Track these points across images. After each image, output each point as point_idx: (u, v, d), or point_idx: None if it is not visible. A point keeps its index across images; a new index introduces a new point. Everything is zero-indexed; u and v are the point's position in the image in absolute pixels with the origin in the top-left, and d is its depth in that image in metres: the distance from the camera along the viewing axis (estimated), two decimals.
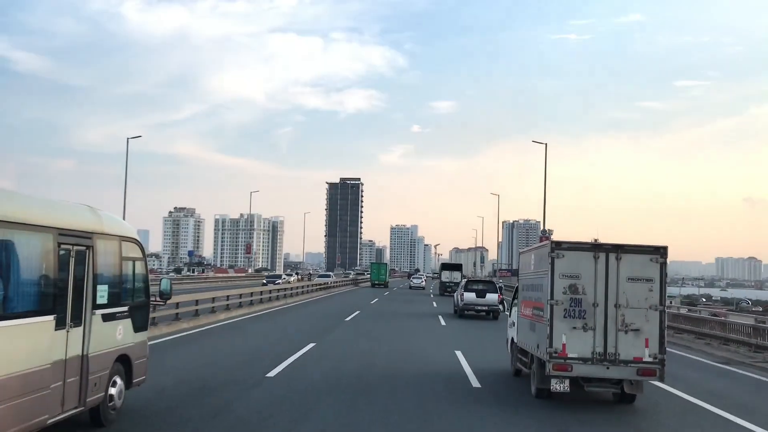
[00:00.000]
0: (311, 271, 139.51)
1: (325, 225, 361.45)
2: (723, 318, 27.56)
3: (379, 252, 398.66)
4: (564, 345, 12.09)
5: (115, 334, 9.77)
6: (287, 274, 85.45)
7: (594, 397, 13.44)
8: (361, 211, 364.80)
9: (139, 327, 10.59)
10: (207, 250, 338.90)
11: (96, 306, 9.14)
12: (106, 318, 9.44)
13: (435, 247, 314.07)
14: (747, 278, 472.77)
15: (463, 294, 35.85)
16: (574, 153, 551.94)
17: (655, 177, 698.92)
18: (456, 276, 65.47)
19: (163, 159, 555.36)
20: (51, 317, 8.09)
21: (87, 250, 8.99)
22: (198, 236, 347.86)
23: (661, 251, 12.37)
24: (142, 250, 10.86)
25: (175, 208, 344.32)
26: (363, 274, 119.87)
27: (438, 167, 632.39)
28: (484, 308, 35.42)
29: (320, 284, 62.81)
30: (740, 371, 19.51)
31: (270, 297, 40.40)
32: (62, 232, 8.38)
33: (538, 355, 12.92)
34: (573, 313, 12.18)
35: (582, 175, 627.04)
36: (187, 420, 10.25)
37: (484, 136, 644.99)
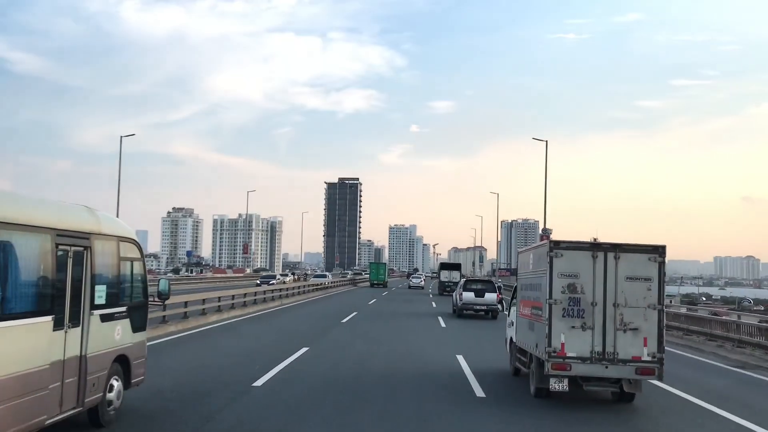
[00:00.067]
0: (308, 272, 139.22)
1: (324, 225, 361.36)
2: (736, 319, 26.20)
3: (378, 252, 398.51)
4: (563, 344, 12.09)
5: (114, 335, 9.77)
6: (282, 275, 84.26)
7: (593, 396, 13.44)
8: (360, 211, 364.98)
9: (137, 327, 10.59)
10: (205, 251, 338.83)
11: (94, 306, 9.15)
12: (105, 318, 9.44)
13: (434, 246, 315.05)
14: (745, 277, 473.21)
15: (461, 293, 35.84)
16: (572, 152, 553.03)
17: (653, 176, 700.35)
18: (455, 275, 65.47)
19: (162, 159, 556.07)
20: (49, 318, 8.10)
21: (85, 251, 9.00)
22: (196, 236, 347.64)
23: (659, 250, 12.38)
24: (140, 250, 10.85)
25: (173, 208, 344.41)
26: (360, 274, 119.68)
27: (436, 167, 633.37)
28: (482, 308, 35.42)
29: (316, 285, 61.31)
30: (757, 375, 18.55)
31: (265, 298, 39.37)
32: (60, 233, 8.38)
33: (536, 355, 12.92)
34: (572, 313, 12.19)
35: (580, 174, 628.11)
36: None
37: (483, 135, 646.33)
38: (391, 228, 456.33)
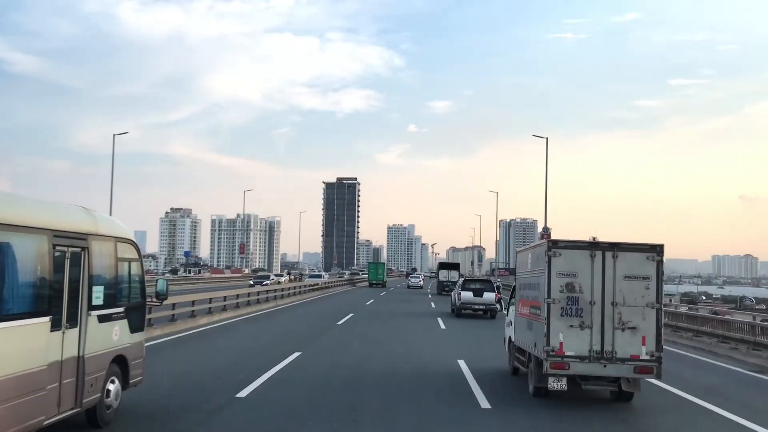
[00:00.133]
0: (306, 271, 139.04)
1: (322, 225, 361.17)
2: (751, 320, 24.96)
3: (376, 251, 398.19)
4: (561, 343, 12.10)
5: (112, 335, 9.76)
6: (278, 275, 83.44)
7: (591, 395, 13.43)
8: (358, 211, 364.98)
9: (135, 328, 10.58)
10: (204, 251, 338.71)
11: (92, 307, 9.14)
12: (102, 319, 9.43)
13: (432, 246, 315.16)
14: (743, 276, 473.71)
15: (460, 293, 35.79)
16: (571, 152, 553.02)
17: (652, 175, 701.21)
18: (453, 275, 65.50)
19: (160, 159, 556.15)
20: (47, 319, 8.09)
21: (82, 252, 9.00)
22: (195, 237, 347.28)
23: (657, 249, 12.38)
24: (138, 251, 10.84)
25: (171, 208, 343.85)
26: (358, 274, 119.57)
27: (435, 167, 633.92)
28: (481, 307, 35.38)
29: (311, 285, 59.10)
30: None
31: (258, 299, 37.96)
32: (57, 234, 8.38)
33: (535, 354, 12.92)
34: (570, 312, 12.19)
35: (578, 173, 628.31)
36: None
37: (481, 135, 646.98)
38: (389, 228, 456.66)
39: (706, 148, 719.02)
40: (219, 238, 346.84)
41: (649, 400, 13.43)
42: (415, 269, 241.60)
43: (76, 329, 8.82)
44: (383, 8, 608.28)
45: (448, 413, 11.57)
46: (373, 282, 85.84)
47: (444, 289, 63.16)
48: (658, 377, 12.27)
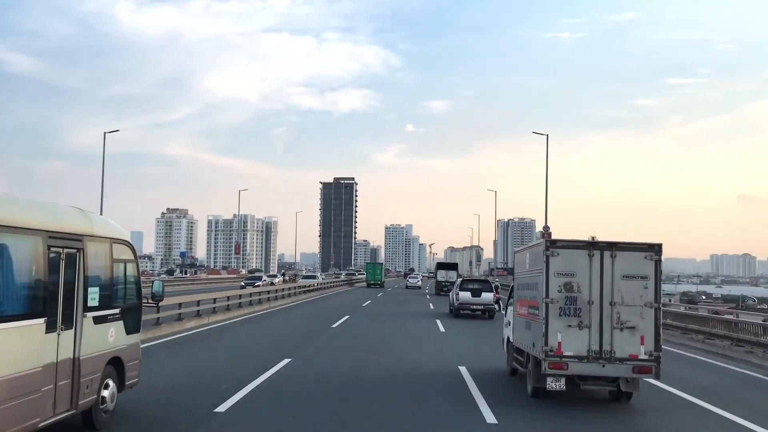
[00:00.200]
0: (303, 271, 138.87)
1: (320, 225, 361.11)
2: (761, 322, 23.75)
3: (374, 252, 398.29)
4: (559, 343, 12.06)
5: (107, 337, 9.71)
6: (270, 276, 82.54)
7: (590, 395, 13.39)
8: (356, 211, 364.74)
9: (131, 329, 10.53)
10: (200, 252, 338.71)
11: (87, 309, 9.09)
12: (98, 320, 9.38)
13: (430, 246, 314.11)
14: (741, 275, 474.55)
15: (458, 293, 35.71)
16: (568, 151, 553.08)
17: (650, 175, 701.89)
18: (452, 275, 65.45)
19: (157, 160, 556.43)
20: (41, 320, 8.04)
21: (77, 253, 8.94)
22: (191, 237, 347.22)
23: (655, 248, 12.35)
24: (134, 251, 10.79)
25: (167, 209, 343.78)
26: (354, 275, 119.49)
27: (432, 167, 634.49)
28: (479, 307, 35.33)
29: (305, 286, 56.41)
30: None
31: (251, 301, 36.63)
32: (52, 235, 8.33)
33: (533, 354, 12.88)
34: (568, 312, 12.15)
35: (575, 173, 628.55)
36: None
37: (478, 135, 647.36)
38: (387, 228, 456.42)
39: (704, 147, 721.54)
40: (215, 239, 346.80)
41: (677, 413, 12.75)
42: (412, 269, 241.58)
43: (72, 331, 8.77)
44: (380, 8, 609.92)
45: (450, 430, 10.71)
46: (371, 282, 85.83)
47: (442, 289, 63.09)
48: (657, 377, 12.24)
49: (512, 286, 16.25)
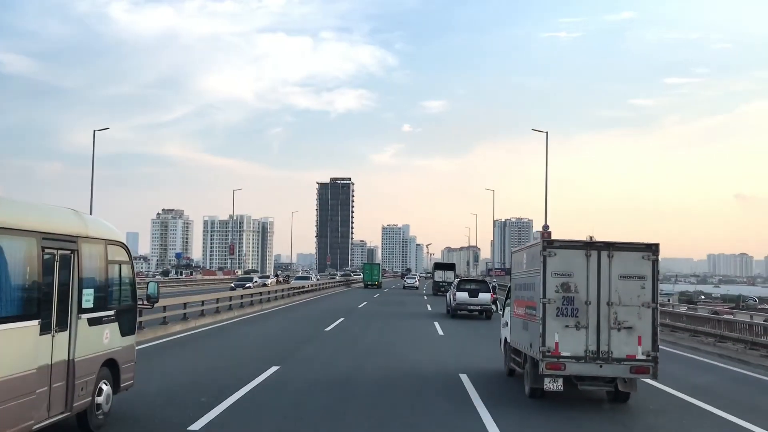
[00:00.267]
0: (299, 272, 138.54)
1: (316, 225, 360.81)
2: None
3: (371, 252, 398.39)
4: (557, 344, 12.04)
5: (102, 339, 9.67)
6: (263, 276, 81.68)
7: (588, 395, 13.37)
8: (352, 211, 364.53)
9: (126, 331, 10.49)
10: (196, 252, 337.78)
11: (82, 310, 9.06)
12: (92, 322, 9.34)
13: (427, 246, 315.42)
14: (738, 275, 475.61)
15: (455, 294, 35.70)
16: (566, 151, 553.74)
17: (647, 174, 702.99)
18: (449, 275, 65.56)
19: (152, 160, 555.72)
20: (35, 322, 8.00)
21: (72, 254, 8.90)
22: (187, 238, 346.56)
23: (652, 248, 12.34)
24: (129, 253, 10.74)
25: (163, 209, 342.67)
26: (350, 275, 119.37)
27: (429, 167, 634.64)
28: (476, 308, 35.31)
29: (298, 288, 54.62)
30: None
31: (242, 303, 35.23)
32: (46, 236, 8.29)
33: (531, 355, 12.85)
34: (565, 312, 12.13)
35: (573, 173, 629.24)
36: None
37: (476, 135, 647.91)
38: (383, 228, 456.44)
39: (701, 147, 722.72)
40: (211, 240, 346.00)
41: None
42: (409, 270, 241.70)
43: (66, 333, 8.73)
44: (376, 7, 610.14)
45: None
46: (369, 283, 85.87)
47: (440, 289, 63.14)
48: (655, 377, 12.21)
49: (509, 287, 16.23)
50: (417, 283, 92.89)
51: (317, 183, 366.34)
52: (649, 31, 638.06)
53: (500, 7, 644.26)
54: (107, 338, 9.82)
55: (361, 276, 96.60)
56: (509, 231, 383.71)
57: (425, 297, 61.56)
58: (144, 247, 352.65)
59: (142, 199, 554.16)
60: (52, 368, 8.34)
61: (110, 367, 9.96)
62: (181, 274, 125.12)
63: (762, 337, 21.89)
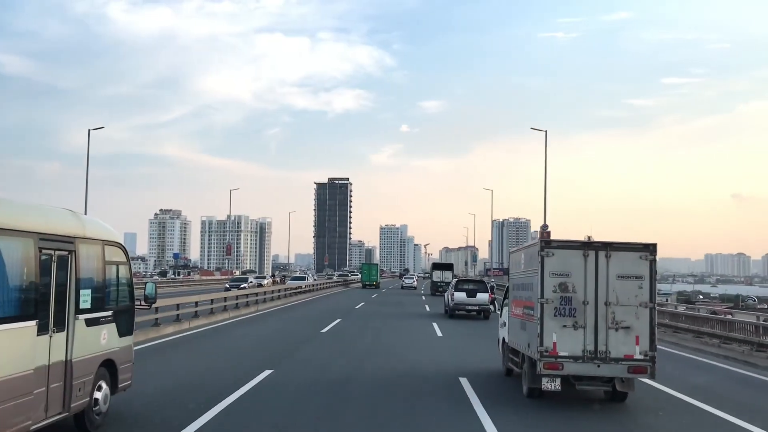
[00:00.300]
0: (297, 272, 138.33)
1: (314, 226, 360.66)
2: None
3: (369, 252, 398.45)
4: (555, 343, 12.04)
5: (100, 339, 9.66)
6: (258, 277, 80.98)
7: (585, 395, 13.37)
8: (350, 212, 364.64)
9: (123, 331, 10.48)
10: (194, 253, 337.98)
11: (79, 311, 9.05)
12: (90, 323, 9.33)
13: (425, 246, 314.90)
14: (736, 274, 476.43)
15: (453, 294, 35.66)
16: (563, 151, 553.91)
17: (645, 174, 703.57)
18: (447, 275, 65.56)
19: (150, 160, 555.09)
20: (33, 323, 7.98)
21: (69, 255, 8.89)
22: (184, 238, 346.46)
23: (650, 248, 12.35)
24: (126, 253, 10.73)
25: (160, 210, 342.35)
26: (347, 276, 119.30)
27: (427, 167, 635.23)
28: (474, 308, 35.28)
29: (294, 288, 54.01)
30: None
31: (237, 304, 34.61)
32: (43, 237, 8.28)
33: (529, 355, 12.86)
34: (563, 312, 12.13)
35: (570, 172, 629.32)
36: None
37: (473, 135, 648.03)
38: (381, 228, 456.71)
39: (699, 146, 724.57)
40: (209, 240, 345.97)
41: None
42: (407, 270, 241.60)
43: (63, 333, 8.72)
44: (374, 8, 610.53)
45: None
46: (367, 283, 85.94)
47: (438, 289, 63.18)
48: (652, 377, 12.22)
49: (507, 287, 16.23)
50: (415, 283, 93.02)
51: (315, 183, 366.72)
52: (646, 32, 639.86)
53: (498, 8, 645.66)
54: (105, 339, 9.81)
55: (359, 276, 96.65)
56: (507, 231, 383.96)
57: (423, 297, 61.40)
58: (142, 247, 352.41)
59: (139, 200, 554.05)
60: (49, 369, 8.32)
61: (108, 367, 9.95)
62: (178, 275, 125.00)
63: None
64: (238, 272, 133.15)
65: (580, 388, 12.56)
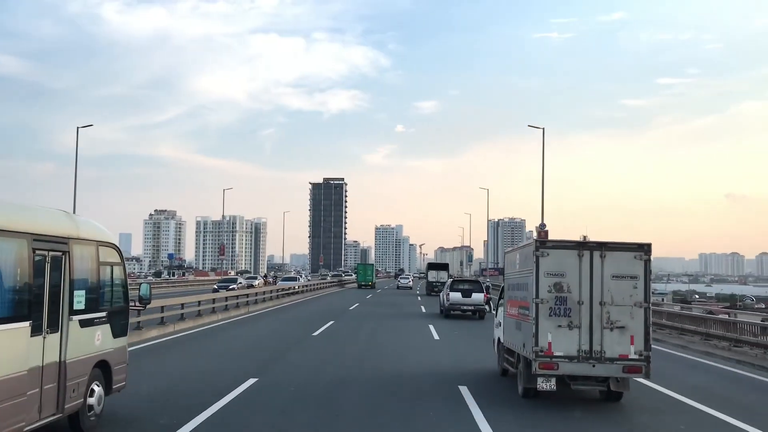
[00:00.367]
0: (291, 273, 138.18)
1: (309, 226, 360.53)
2: None
3: (364, 252, 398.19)
4: (550, 343, 12.06)
5: (94, 340, 9.63)
6: (249, 278, 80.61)
7: (580, 395, 13.38)
8: (345, 212, 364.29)
9: (118, 332, 10.46)
10: (189, 253, 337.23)
11: (73, 312, 9.02)
12: (84, 324, 9.30)
13: (420, 247, 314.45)
14: (730, 274, 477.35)
15: (448, 294, 35.63)
16: (558, 151, 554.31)
17: (639, 174, 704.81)
18: (443, 276, 65.54)
19: (145, 161, 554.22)
20: (26, 324, 7.95)
21: (63, 256, 8.86)
22: (179, 239, 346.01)
23: (644, 248, 12.37)
24: (120, 254, 10.71)
25: (155, 210, 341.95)
26: (341, 276, 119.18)
27: (422, 167, 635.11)
28: (470, 308, 35.28)
29: (285, 289, 52.91)
30: None
31: (227, 305, 33.62)
32: (37, 238, 8.25)
33: (524, 355, 12.87)
34: (558, 312, 12.15)
35: (565, 172, 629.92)
36: None
37: (468, 135, 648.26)
38: (377, 228, 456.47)
39: (693, 146, 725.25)
40: (204, 240, 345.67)
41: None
42: (402, 270, 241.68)
43: (57, 334, 8.70)
44: (369, 8, 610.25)
45: None
46: (362, 283, 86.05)
47: (433, 289, 63.13)
48: (647, 377, 12.25)
49: (502, 287, 16.24)
50: (410, 283, 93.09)
51: (310, 183, 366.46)
52: (641, 32, 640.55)
53: (492, 8, 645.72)
54: (99, 340, 9.78)
55: (354, 276, 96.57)
56: (502, 231, 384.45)
57: (419, 297, 61.34)
58: (137, 247, 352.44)
59: (134, 200, 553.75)
60: (43, 370, 8.30)
61: (102, 368, 9.93)
62: (173, 275, 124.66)
63: None
64: (233, 273, 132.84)
65: (575, 388, 12.57)
